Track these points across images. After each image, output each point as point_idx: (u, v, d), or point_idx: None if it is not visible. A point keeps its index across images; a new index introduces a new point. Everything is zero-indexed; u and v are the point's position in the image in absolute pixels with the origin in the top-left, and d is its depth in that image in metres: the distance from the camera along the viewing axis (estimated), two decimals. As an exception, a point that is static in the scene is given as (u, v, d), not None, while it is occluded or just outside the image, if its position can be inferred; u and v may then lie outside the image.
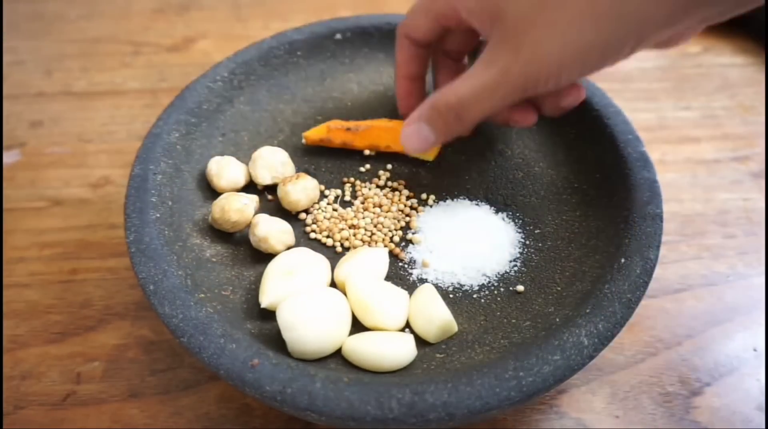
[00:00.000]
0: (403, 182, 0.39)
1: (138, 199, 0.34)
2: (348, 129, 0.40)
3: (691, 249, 0.41)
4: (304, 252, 0.33)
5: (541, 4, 0.27)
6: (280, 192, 0.37)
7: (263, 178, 0.37)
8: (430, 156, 0.40)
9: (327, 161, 0.40)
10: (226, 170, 0.37)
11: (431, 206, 0.38)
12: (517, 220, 0.37)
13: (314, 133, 0.40)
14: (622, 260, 0.31)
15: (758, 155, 0.47)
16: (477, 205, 0.38)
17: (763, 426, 0.33)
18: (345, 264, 0.33)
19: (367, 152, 0.40)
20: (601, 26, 0.26)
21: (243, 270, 0.34)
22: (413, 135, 0.33)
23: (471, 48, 0.38)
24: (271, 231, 0.34)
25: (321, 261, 0.33)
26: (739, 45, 0.58)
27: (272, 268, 0.33)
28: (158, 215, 0.34)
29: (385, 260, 0.34)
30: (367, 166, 0.40)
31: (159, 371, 0.35)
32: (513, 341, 0.31)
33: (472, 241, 0.35)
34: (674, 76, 0.55)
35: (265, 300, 0.31)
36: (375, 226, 0.37)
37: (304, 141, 0.40)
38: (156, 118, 0.38)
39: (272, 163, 0.38)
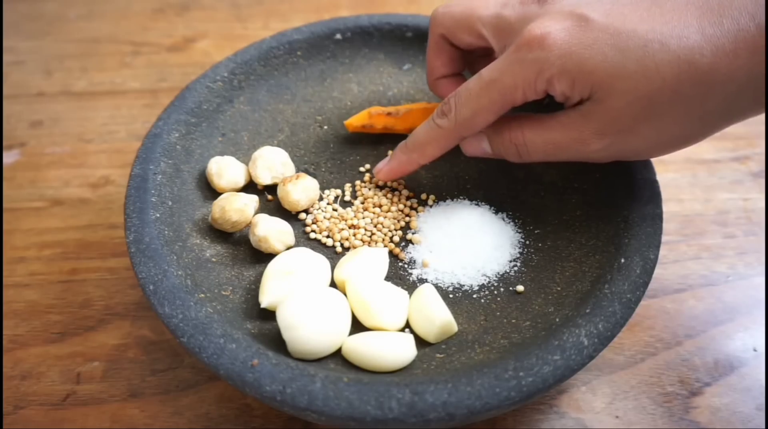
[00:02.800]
0: (403, 182, 0.39)
1: (138, 199, 0.34)
2: (389, 113, 0.40)
3: (691, 249, 0.41)
4: (304, 252, 0.33)
5: (648, 110, 0.28)
6: (280, 192, 0.37)
7: (263, 178, 0.37)
8: None
9: (327, 161, 0.40)
10: (226, 170, 0.37)
11: (431, 206, 0.38)
12: (517, 220, 0.37)
13: (356, 120, 0.41)
14: (622, 260, 0.31)
15: (758, 155, 0.47)
16: (477, 205, 0.38)
17: (763, 426, 0.33)
18: (345, 264, 0.33)
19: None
20: (691, 125, 0.29)
21: (243, 270, 0.34)
22: (473, 142, 0.34)
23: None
24: (271, 231, 0.34)
25: (321, 261, 0.33)
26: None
27: (272, 268, 0.33)
28: (158, 215, 0.34)
29: (385, 260, 0.34)
30: (367, 165, 0.40)
31: (159, 371, 0.35)
32: (513, 341, 0.31)
33: (472, 241, 0.35)
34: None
35: (265, 300, 0.31)
36: (375, 226, 0.37)
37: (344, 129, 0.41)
38: (156, 118, 0.38)
39: (272, 163, 0.38)
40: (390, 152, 0.40)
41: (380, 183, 0.39)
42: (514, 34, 0.31)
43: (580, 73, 0.28)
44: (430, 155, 0.35)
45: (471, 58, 0.38)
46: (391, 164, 0.37)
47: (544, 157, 0.32)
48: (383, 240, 0.36)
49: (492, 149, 0.34)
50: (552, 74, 0.29)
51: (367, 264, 0.33)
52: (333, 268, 0.34)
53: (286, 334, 0.29)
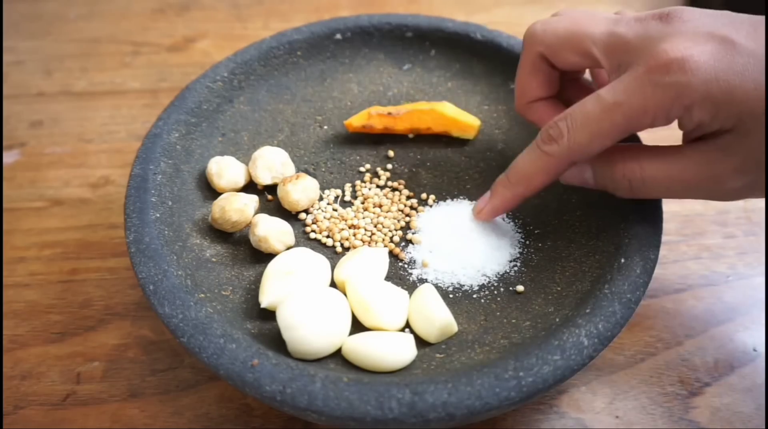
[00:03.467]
0: (403, 182, 0.39)
1: (138, 199, 0.34)
2: (389, 113, 0.40)
3: (691, 249, 0.41)
4: (304, 252, 0.33)
5: None
6: (280, 192, 0.37)
7: (263, 178, 0.37)
8: (470, 134, 0.41)
9: (327, 161, 0.40)
10: (226, 170, 0.37)
11: (431, 206, 0.38)
12: (517, 220, 0.37)
13: (356, 120, 0.41)
14: (622, 260, 0.31)
15: (758, 155, 0.47)
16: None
17: (763, 426, 0.33)
18: (345, 264, 0.33)
19: (410, 136, 0.42)
20: None
21: (243, 270, 0.34)
22: (574, 170, 0.32)
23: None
24: (271, 231, 0.34)
25: (321, 261, 0.33)
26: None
27: (272, 268, 0.33)
28: (158, 215, 0.34)
29: (386, 260, 0.34)
30: (367, 165, 0.40)
31: (159, 371, 0.35)
32: (513, 341, 0.31)
33: (472, 241, 0.35)
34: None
35: (265, 300, 0.31)
36: (375, 226, 0.37)
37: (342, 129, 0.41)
38: (156, 118, 0.38)
39: (272, 163, 0.38)
40: (391, 153, 0.40)
41: (381, 182, 0.39)
42: (634, 53, 0.28)
43: (727, 102, 0.26)
44: (537, 187, 0.32)
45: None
46: (493, 202, 0.34)
47: (665, 195, 0.30)
48: (383, 240, 0.36)
49: (596, 181, 0.31)
50: (693, 101, 0.26)
51: (367, 264, 0.33)
52: (333, 268, 0.34)
53: (286, 334, 0.29)
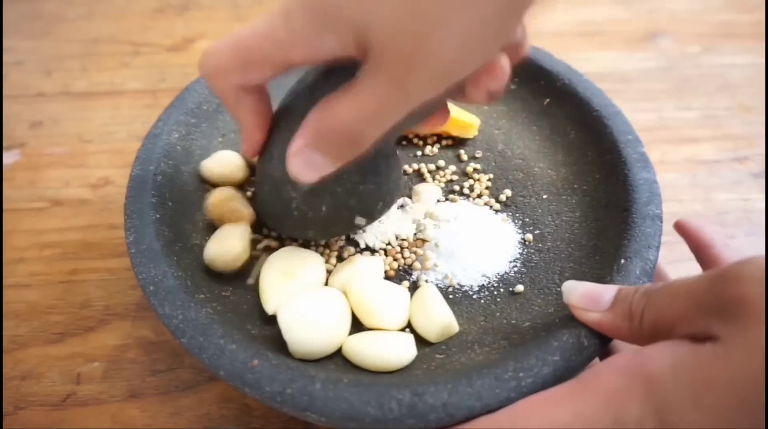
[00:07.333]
0: (403, 183, 0.39)
1: (138, 199, 0.34)
2: None
3: (691, 249, 0.41)
4: (296, 251, 0.33)
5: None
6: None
7: None
8: (470, 133, 0.41)
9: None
10: (219, 164, 0.37)
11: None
12: (517, 221, 0.37)
13: None
14: (622, 261, 0.31)
15: (758, 155, 0.47)
16: (477, 205, 0.38)
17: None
18: (340, 273, 0.33)
19: (411, 135, 0.42)
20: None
21: (243, 270, 0.34)
22: (305, 167, 0.28)
23: None
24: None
25: (314, 257, 0.33)
26: (739, 45, 0.58)
27: (268, 271, 0.33)
28: (158, 216, 0.34)
29: (381, 268, 0.34)
30: (367, 166, 0.40)
31: (159, 372, 0.35)
32: (513, 342, 0.31)
33: (472, 242, 0.35)
34: (674, 77, 0.55)
35: (271, 306, 0.31)
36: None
37: None
38: (156, 118, 0.38)
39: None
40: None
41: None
42: None
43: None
44: None
45: None
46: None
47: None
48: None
49: (327, 156, 0.27)
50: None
51: (363, 271, 0.33)
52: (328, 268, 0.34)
53: (288, 336, 0.29)
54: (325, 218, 0.32)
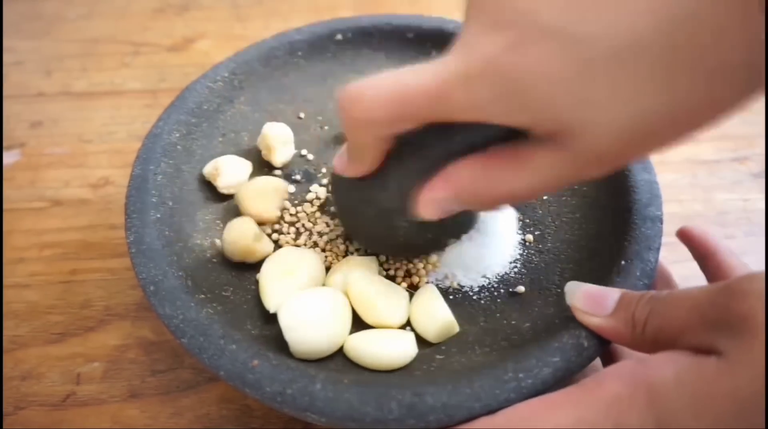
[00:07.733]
0: (403, 183, 0.39)
1: (138, 199, 0.34)
2: None
3: (691, 250, 0.41)
4: (295, 250, 0.34)
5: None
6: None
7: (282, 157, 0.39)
8: None
9: (328, 162, 0.40)
10: (223, 169, 0.37)
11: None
12: (517, 221, 0.37)
13: None
14: (622, 262, 0.31)
15: (758, 155, 0.47)
16: (477, 206, 0.38)
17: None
18: (336, 273, 0.33)
19: None
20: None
21: (243, 271, 0.34)
22: (436, 211, 0.28)
23: None
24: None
25: (313, 256, 0.33)
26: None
27: (268, 270, 0.33)
28: (159, 216, 0.34)
29: (375, 267, 0.34)
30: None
31: (159, 372, 0.35)
32: (513, 343, 0.31)
33: (473, 242, 0.35)
34: (674, 77, 0.55)
35: (272, 305, 0.31)
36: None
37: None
38: (156, 118, 0.38)
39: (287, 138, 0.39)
40: None
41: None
42: None
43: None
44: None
45: None
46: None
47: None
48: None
49: (461, 204, 0.27)
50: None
51: (361, 268, 0.33)
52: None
53: (289, 336, 0.29)
54: (427, 243, 0.33)
